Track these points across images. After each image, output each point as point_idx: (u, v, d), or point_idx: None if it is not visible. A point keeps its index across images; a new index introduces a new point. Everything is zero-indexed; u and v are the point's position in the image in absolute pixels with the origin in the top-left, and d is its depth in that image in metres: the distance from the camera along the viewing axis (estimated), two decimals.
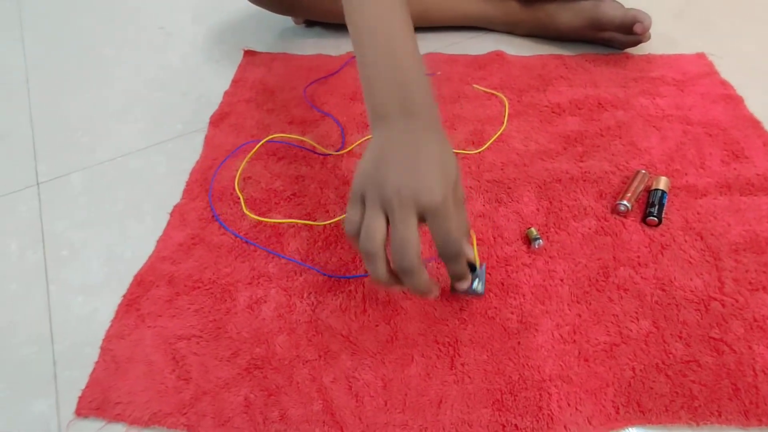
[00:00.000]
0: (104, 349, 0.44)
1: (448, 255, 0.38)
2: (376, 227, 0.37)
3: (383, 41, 0.41)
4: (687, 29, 0.76)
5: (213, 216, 0.54)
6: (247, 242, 0.51)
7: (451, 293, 0.46)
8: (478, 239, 0.50)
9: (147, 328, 0.45)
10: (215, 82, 0.73)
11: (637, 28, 0.66)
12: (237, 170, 0.58)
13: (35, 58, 0.81)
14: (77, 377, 0.42)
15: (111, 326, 0.45)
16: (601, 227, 0.51)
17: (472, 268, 0.45)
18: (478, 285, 0.44)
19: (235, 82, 0.72)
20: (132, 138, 0.65)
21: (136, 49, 0.82)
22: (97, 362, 0.43)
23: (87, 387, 0.42)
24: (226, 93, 0.70)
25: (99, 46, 0.83)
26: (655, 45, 0.72)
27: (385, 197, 0.36)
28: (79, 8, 0.93)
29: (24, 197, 0.58)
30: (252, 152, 0.60)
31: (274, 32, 0.83)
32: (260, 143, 0.61)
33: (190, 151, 0.62)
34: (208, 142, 0.63)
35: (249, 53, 0.77)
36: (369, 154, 0.39)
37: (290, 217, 0.53)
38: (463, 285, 0.42)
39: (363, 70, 0.42)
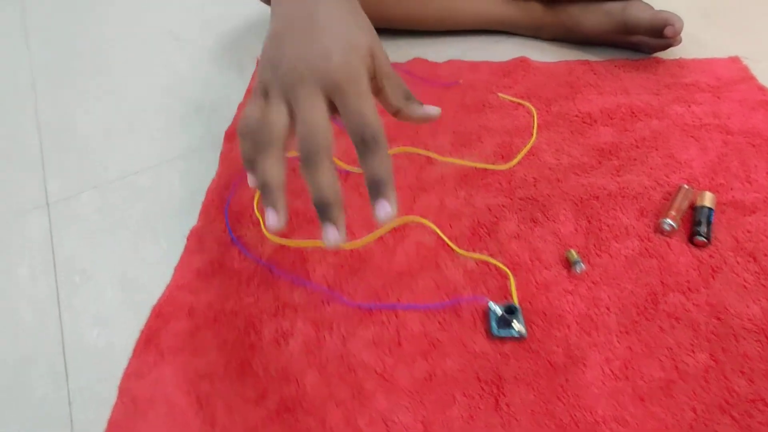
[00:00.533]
0: (122, 390, 0.41)
1: (365, 139, 0.30)
2: (273, 114, 0.31)
3: None
4: (717, 30, 0.73)
5: (232, 240, 0.51)
6: (270, 269, 0.48)
7: (377, 223, 0.31)
8: (513, 263, 0.47)
9: (167, 365, 0.42)
10: (228, 93, 0.70)
11: (668, 31, 0.63)
12: (256, 189, 0.55)
13: (41, 68, 0.78)
14: (94, 419, 0.40)
15: (129, 364, 0.43)
16: (645, 248, 0.48)
17: (512, 309, 0.42)
18: (520, 327, 0.41)
19: (249, 92, 0.69)
20: (144, 153, 0.62)
21: (147, 57, 0.79)
22: (115, 404, 0.40)
23: None
24: (240, 105, 0.67)
25: (108, 54, 0.80)
26: (684, 48, 0.69)
27: (283, 79, 0.31)
28: (85, 13, 0.90)
29: (33, 218, 0.55)
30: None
31: None
32: None
33: (205, 168, 0.59)
34: (224, 158, 0.60)
35: None
36: (267, 36, 0.34)
37: (314, 240, 0.50)
38: (386, 208, 0.30)
39: None
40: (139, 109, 0.69)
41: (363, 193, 0.55)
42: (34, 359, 0.44)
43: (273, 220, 0.31)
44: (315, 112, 0.30)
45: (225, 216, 0.53)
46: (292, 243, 0.50)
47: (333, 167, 0.31)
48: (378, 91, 0.36)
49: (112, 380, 0.41)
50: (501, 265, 0.47)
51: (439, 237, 0.50)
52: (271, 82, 0.32)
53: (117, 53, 0.80)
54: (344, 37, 0.32)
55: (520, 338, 0.42)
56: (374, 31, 0.35)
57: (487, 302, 0.44)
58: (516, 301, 0.44)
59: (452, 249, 0.48)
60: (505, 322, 0.42)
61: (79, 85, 0.74)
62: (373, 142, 0.30)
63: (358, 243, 0.49)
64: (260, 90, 0.33)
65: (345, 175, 0.57)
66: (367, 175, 0.30)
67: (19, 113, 0.70)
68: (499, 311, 0.43)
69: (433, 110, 0.37)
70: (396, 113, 0.37)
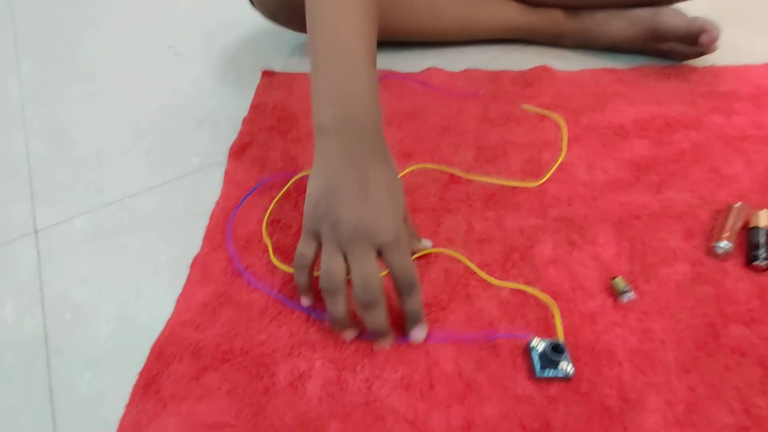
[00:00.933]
0: None
1: (406, 286, 0.38)
2: (336, 266, 0.38)
3: (335, 50, 0.40)
4: (749, 36, 0.69)
5: (240, 269, 0.46)
6: (283, 302, 0.43)
7: (413, 343, 0.40)
8: (553, 292, 0.43)
9: (170, 415, 0.37)
10: (232, 108, 0.66)
11: (703, 39, 0.60)
12: (264, 211, 0.51)
13: (32, 84, 0.74)
14: None
15: (126, 413, 0.38)
16: (698, 274, 0.43)
17: (560, 348, 0.37)
18: (567, 366, 0.37)
19: (254, 107, 0.65)
20: (143, 174, 0.58)
21: (144, 72, 0.75)
22: None
23: None
24: (245, 120, 0.63)
25: (103, 70, 0.76)
26: (716, 55, 0.65)
27: (342, 237, 0.37)
28: (80, 27, 0.87)
29: (20, 248, 0.51)
30: (283, 191, 0.53)
31: (293, 49, 0.76)
32: (292, 180, 0.53)
33: (208, 189, 0.55)
34: (229, 178, 0.55)
35: (267, 74, 0.70)
36: (316, 182, 0.39)
37: None
38: (420, 333, 0.40)
39: (312, 78, 0.41)
40: (136, 126, 0.65)
41: None
42: (16, 410, 0.39)
43: (348, 335, 0.41)
44: (370, 267, 0.37)
45: (227, 241, 0.48)
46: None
47: (385, 304, 0.39)
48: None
49: None
50: (542, 295, 0.42)
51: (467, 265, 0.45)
52: (328, 234, 0.38)
53: (112, 69, 0.76)
54: (392, 203, 0.39)
55: (566, 379, 0.37)
56: (401, 186, 0.41)
57: (529, 339, 0.39)
58: (561, 336, 0.39)
59: (484, 278, 0.44)
60: (549, 362, 0.38)
61: (72, 102, 0.70)
62: (412, 287, 0.39)
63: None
64: (311, 233, 0.40)
65: None
66: (407, 310, 0.40)
67: (6, 132, 0.65)
68: (541, 349, 0.38)
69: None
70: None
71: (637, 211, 0.49)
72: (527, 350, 0.39)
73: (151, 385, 0.39)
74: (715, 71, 0.63)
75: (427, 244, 0.46)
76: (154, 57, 0.78)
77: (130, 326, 0.44)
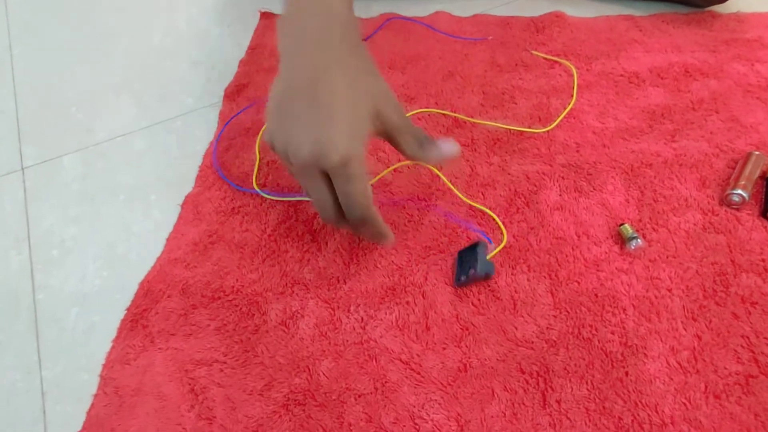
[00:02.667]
0: (105, 378, 0.35)
1: (352, 219, 0.35)
2: (316, 194, 0.35)
3: None
4: None
5: (232, 208, 0.44)
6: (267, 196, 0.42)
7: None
8: (557, 237, 0.41)
9: (157, 350, 0.36)
10: (229, 50, 0.63)
11: None
12: (256, 150, 0.49)
13: (20, 22, 0.71)
14: (71, 413, 0.34)
15: (112, 348, 0.37)
16: (710, 223, 0.41)
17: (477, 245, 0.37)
18: (480, 267, 0.37)
19: (252, 49, 0.62)
20: (135, 114, 0.55)
21: (139, 12, 0.72)
22: (96, 395, 0.34)
23: (84, 428, 0.33)
24: (241, 62, 0.60)
25: (97, 10, 0.72)
26: (743, 1, 0.61)
27: (295, 162, 0.34)
28: None
29: (6, 185, 0.49)
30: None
31: None
32: None
33: (203, 130, 0.53)
34: (223, 119, 0.53)
35: (266, 15, 0.67)
36: (276, 86, 0.36)
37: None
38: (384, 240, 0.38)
39: None
40: (130, 67, 0.62)
41: (379, 156, 0.48)
42: (2, 344, 0.38)
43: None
44: (323, 194, 0.34)
45: (214, 158, 0.46)
46: (288, 198, 0.44)
47: (376, 216, 0.36)
48: (394, 143, 0.38)
49: (93, 368, 0.36)
50: (497, 219, 0.41)
51: (470, 207, 0.43)
52: (286, 160, 0.35)
53: (106, 9, 0.73)
54: (343, 114, 0.34)
55: (486, 277, 0.38)
56: (380, 84, 0.37)
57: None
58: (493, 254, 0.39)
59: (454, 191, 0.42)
60: (465, 263, 0.37)
61: (64, 42, 0.67)
62: (361, 219, 0.35)
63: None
64: (284, 160, 0.36)
65: None
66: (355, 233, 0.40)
67: None
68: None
69: (450, 149, 0.38)
70: (414, 161, 0.40)
71: (649, 160, 0.46)
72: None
73: (138, 320, 0.38)
74: (740, 18, 0.60)
75: (450, 150, 0.38)
76: None
77: (119, 264, 0.42)
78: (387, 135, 0.37)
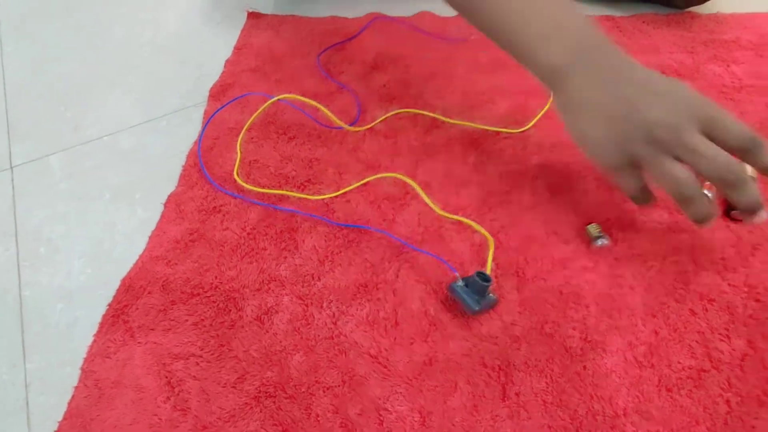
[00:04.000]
0: (86, 371, 0.37)
1: (748, 143, 0.35)
2: (679, 172, 0.35)
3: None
4: None
5: (214, 207, 0.46)
6: (250, 202, 0.43)
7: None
8: (528, 237, 0.42)
9: (137, 344, 0.38)
10: (216, 49, 0.64)
11: None
12: (238, 149, 0.50)
13: (9, 19, 0.72)
14: (54, 405, 0.36)
15: (94, 342, 0.38)
16: (676, 222, 0.43)
17: (485, 276, 0.37)
18: (474, 301, 0.37)
19: (238, 48, 0.63)
20: (122, 113, 0.57)
21: (128, 9, 0.73)
22: (77, 387, 0.36)
23: (65, 418, 0.35)
24: (228, 61, 0.61)
25: (86, 5, 0.74)
26: (721, 1, 0.62)
27: (663, 138, 0.35)
28: None
29: None
30: (260, 110, 0.50)
31: None
32: (266, 104, 0.50)
33: (188, 129, 0.54)
34: (208, 117, 0.55)
35: (253, 15, 0.68)
36: (591, 122, 0.38)
37: (305, 208, 0.45)
38: (763, 215, 0.37)
39: (511, 35, 0.40)
40: (118, 65, 0.63)
41: (361, 156, 0.49)
42: None
43: (763, 215, 0.37)
44: (710, 147, 0.35)
45: (199, 156, 0.48)
46: (270, 191, 0.46)
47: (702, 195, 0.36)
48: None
49: (76, 361, 0.37)
50: (481, 229, 0.41)
51: (444, 207, 0.44)
52: (650, 150, 0.36)
53: (96, 5, 0.74)
54: (676, 81, 0.37)
55: (495, 304, 0.38)
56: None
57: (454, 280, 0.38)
58: (489, 271, 0.39)
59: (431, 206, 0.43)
60: (479, 291, 0.37)
61: (52, 38, 0.68)
62: (755, 142, 0.36)
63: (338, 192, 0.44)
64: (628, 165, 0.37)
65: (341, 137, 0.51)
66: (762, 168, 0.37)
67: None
68: (463, 283, 0.38)
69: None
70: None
71: None
72: (451, 291, 0.38)
73: (119, 316, 0.40)
74: (719, 19, 0.60)
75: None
76: None
77: (103, 261, 0.44)
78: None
